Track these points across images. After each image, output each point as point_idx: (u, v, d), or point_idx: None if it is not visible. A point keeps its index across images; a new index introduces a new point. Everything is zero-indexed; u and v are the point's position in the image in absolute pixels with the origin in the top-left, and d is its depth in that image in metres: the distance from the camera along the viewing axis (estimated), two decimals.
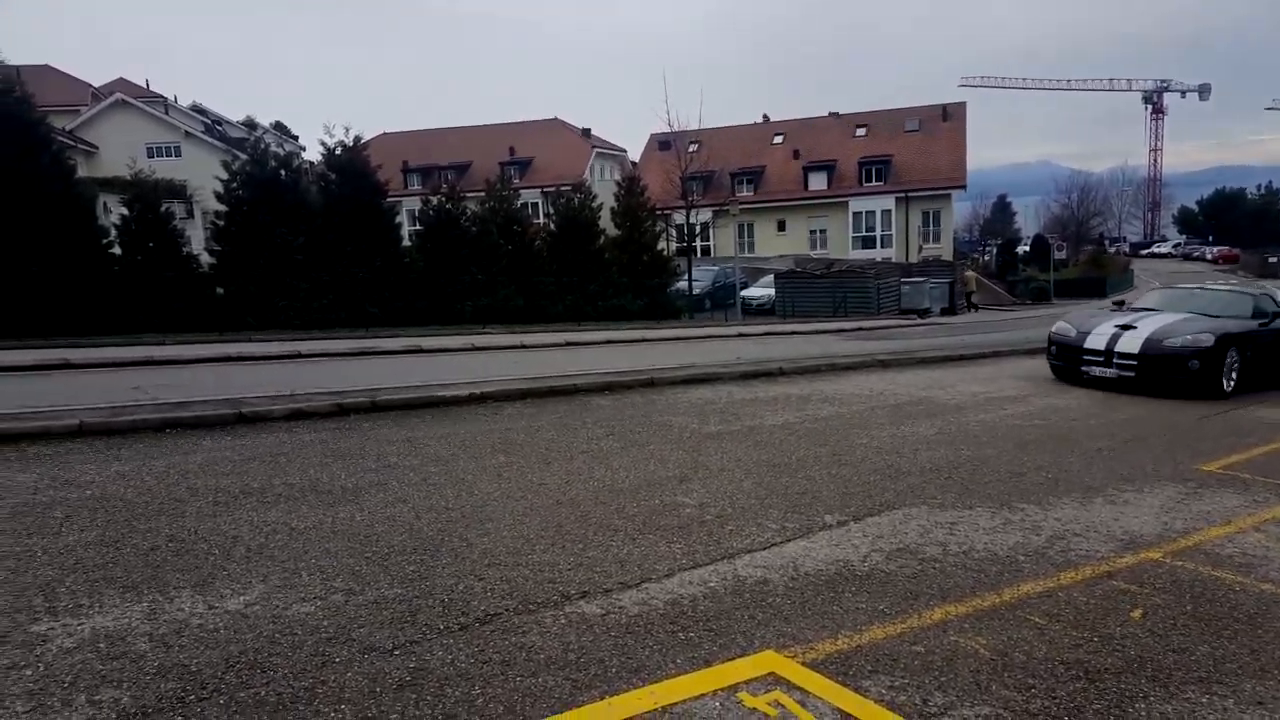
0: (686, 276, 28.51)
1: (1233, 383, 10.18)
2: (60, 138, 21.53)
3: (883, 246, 47.00)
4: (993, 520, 4.98)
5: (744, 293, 30.18)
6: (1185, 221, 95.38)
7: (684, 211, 30.56)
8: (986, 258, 70.61)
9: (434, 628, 3.29)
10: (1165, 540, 4.68)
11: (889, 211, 47.48)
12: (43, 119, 18.57)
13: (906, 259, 43.32)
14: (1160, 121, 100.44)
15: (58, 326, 16.24)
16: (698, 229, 35.11)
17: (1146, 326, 10.50)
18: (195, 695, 2.73)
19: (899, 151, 49.34)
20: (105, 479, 5.30)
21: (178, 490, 5.08)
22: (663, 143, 42.54)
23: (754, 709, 2.80)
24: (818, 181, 49.86)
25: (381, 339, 16.16)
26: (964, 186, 49.64)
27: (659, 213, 28.75)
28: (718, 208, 35.88)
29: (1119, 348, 10.34)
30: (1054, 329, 11.42)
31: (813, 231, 49.57)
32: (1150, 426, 8.23)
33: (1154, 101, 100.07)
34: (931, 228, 48.53)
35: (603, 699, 2.83)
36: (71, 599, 3.43)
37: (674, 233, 33.24)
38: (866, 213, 48.00)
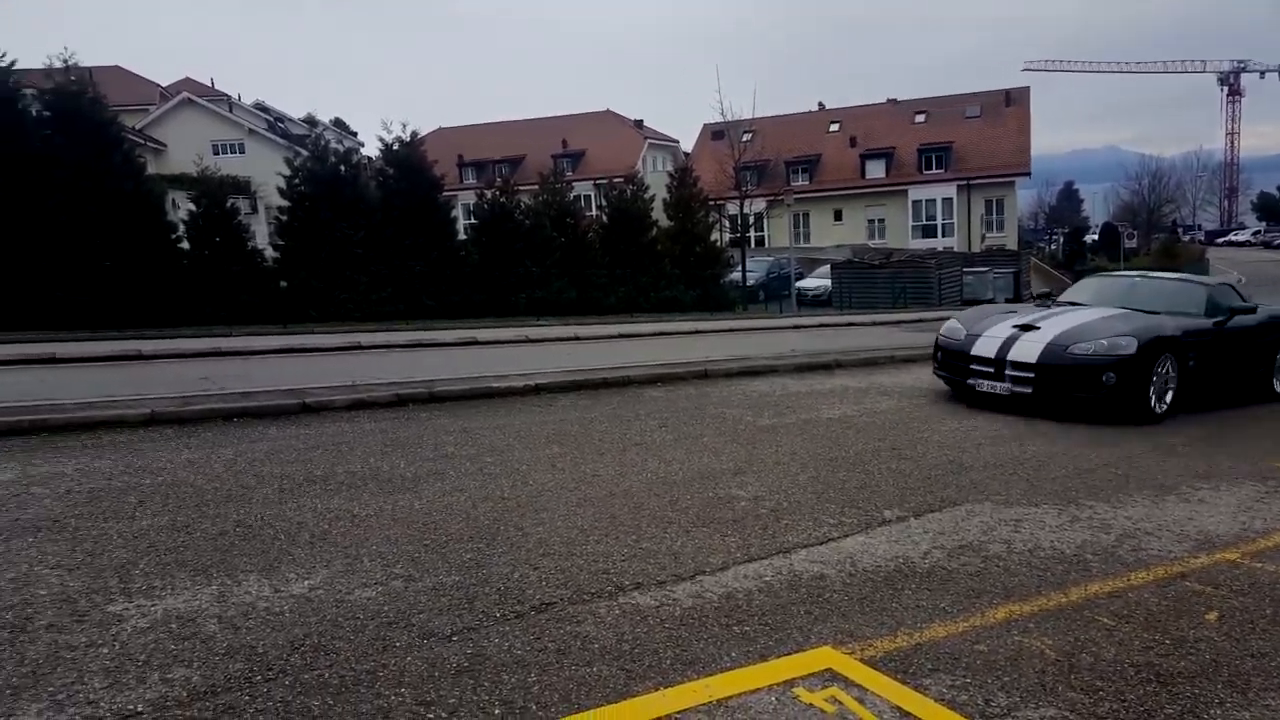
0: (740, 268, 28.34)
1: (1167, 403, 7.89)
2: (130, 136, 22.24)
3: (944, 236, 46.06)
4: (1059, 518, 4.84)
5: (799, 284, 29.90)
6: (1265, 207, 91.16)
7: (738, 202, 30.36)
8: (1053, 247, 68.72)
9: (491, 615, 3.33)
10: (1243, 540, 4.50)
11: (950, 200, 46.48)
12: (114, 118, 19.21)
13: (969, 248, 42.41)
14: (1237, 103, 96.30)
15: (130, 318, 16.84)
16: (752, 219, 34.85)
17: (1052, 327, 8.15)
18: (262, 675, 2.81)
19: (960, 138, 48.24)
20: (176, 466, 5.47)
21: (245, 477, 5.23)
22: (716, 133, 42.33)
23: (810, 704, 2.77)
24: (875, 170, 49.05)
25: (438, 331, 16.40)
26: (1028, 173, 48.40)
27: (712, 203, 28.61)
28: (772, 198, 35.54)
29: (1013, 355, 7.98)
30: (942, 330, 9.11)
31: (871, 221, 48.79)
32: (1228, 421, 7.92)
33: (1230, 83, 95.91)
34: (995, 216, 47.42)
35: (657, 690, 2.82)
36: (145, 581, 3.55)
37: (727, 223, 33.04)
38: (926, 201, 47.08)
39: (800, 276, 30.77)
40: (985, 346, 8.29)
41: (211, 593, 3.45)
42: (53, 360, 10.61)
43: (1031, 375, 7.85)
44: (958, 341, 8.65)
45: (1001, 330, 8.39)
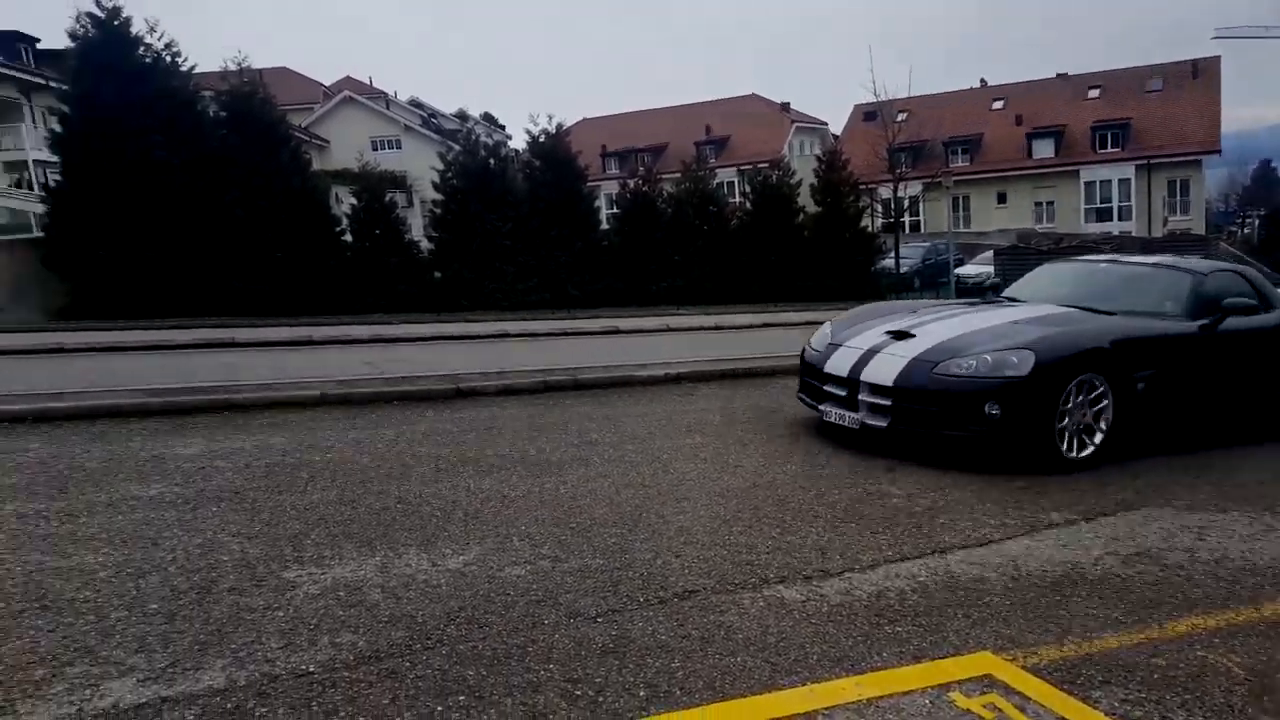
0: (893, 254, 27.37)
1: (1095, 442, 5.58)
2: (297, 134, 23.78)
3: (1120, 219, 42.76)
4: (1251, 527, 4.40)
5: (958, 270, 28.49)
6: None
7: (891, 185, 29.32)
8: (1247, 230, 62.71)
9: (634, 599, 3.35)
10: None
11: (1127, 181, 43.07)
12: (282, 117, 20.58)
13: (1149, 233, 39.24)
14: None
15: (299, 306, 18.09)
16: (906, 203, 33.58)
17: (932, 335, 5.99)
18: (421, 644, 2.94)
19: (1139, 114, 44.59)
20: (343, 444, 5.82)
21: (405, 457, 5.50)
22: (868, 114, 40.97)
23: (968, 710, 2.63)
24: (1043, 149, 46.05)
25: (581, 320, 16.74)
26: (1218, 151, 44.12)
27: (863, 187, 27.68)
28: (929, 180, 34.06)
29: (867, 374, 5.84)
30: (813, 336, 6.95)
31: (1038, 204, 45.86)
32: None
33: None
34: (1179, 198, 43.60)
35: (804, 684, 2.76)
36: (316, 550, 3.79)
37: (880, 208, 31.95)
38: (1101, 182, 43.79)
39: (960, 263, 29.27)
40: (840, 361, 6.12)
41: (375, 564, 3.64)
42: (232, 344, 11.57)
43: (888, 402, 5.69)
44: (818, 353, 6.49)
45: (868, 338, 6.24)
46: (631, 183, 23.41)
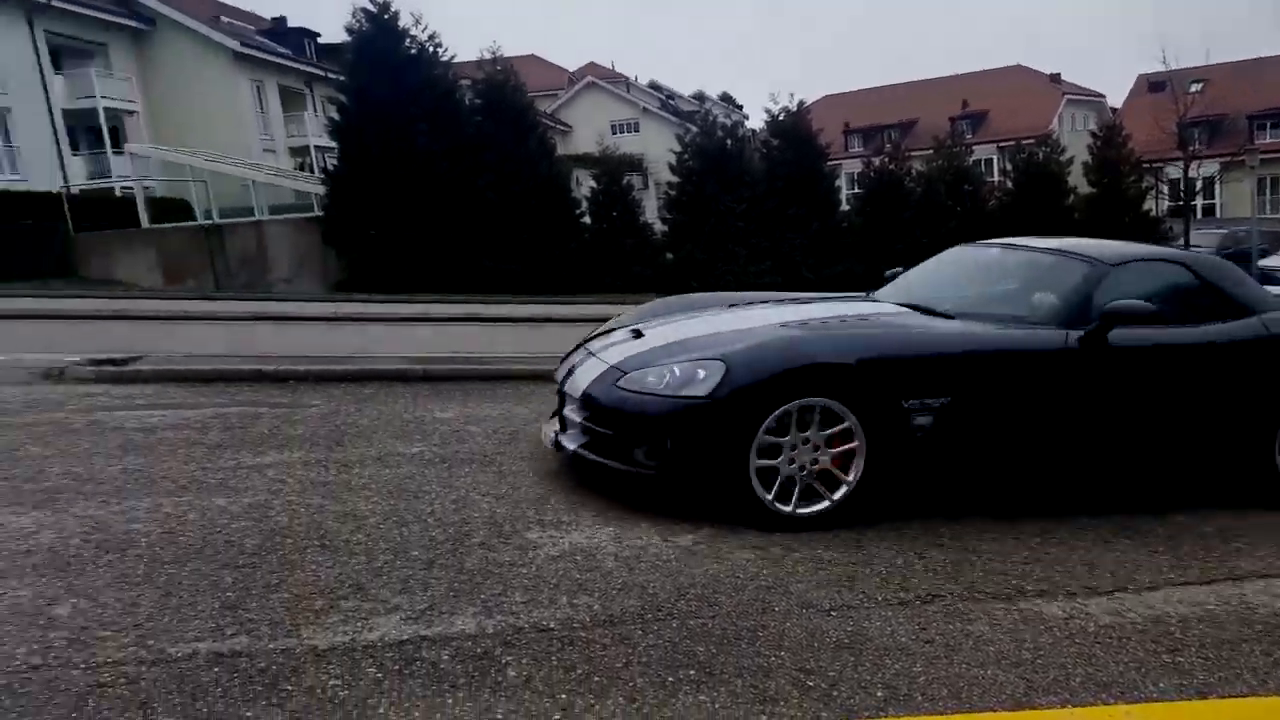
0: (1182, 241, 24.42)
1: (837, 493, 3.93)
2: (544, 120, 25.14)
3: None
4: None
5: (1263, 262, 24.79)
6: None
7: (1181, 164, 26.10)
8: None
9: (872, 597, 3.19)
10: None
11: None
12: (531, 104, 21.84)
13: None
14: None
15: (542, 285, 19.20)
16: (1199, 184, 29.67)
17: (660, 335, 4.67)
18: (653, 614, 2.97)
19: None
20: None
21: None
22: (1154, 84, 36.57)
23: None
24: None
25: None
26: None
27: (1147, 166, 24.81)
28: (1229, 159, 29.84)
29: (569, 385, 4.57)
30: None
31: None
32: None
33: None
34: None
35: (1064, 707, 2.50)
36: (555, 515, 3.96)
37: (1166, 189, 28.52)
38: None
39: (1264, 253, 25.51)
40: (565, 365, 4.93)
41: (609, 533, 3.74)
42: (480, 319, 12.55)
43: (582, 419, 4.39)
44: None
45: (614, 336, 4.97)
46: (876, 160, 22.57)
